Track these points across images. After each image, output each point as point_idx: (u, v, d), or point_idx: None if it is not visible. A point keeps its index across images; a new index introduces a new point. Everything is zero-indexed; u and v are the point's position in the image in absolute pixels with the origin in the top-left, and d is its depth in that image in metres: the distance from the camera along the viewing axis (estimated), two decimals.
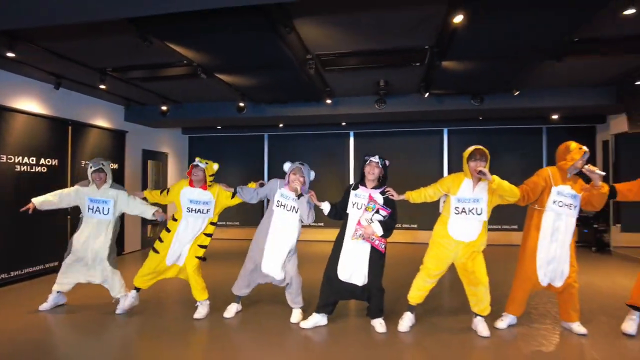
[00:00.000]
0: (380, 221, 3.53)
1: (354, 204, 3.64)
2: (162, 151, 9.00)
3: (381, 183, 3.71)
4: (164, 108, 7.01)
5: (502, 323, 3.70)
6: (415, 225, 8.95)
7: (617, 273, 5.97)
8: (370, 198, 3.58)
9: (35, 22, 3.23)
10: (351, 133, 9.30)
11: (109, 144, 7.17)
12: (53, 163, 5.99)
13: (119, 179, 7.33)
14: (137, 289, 4.11)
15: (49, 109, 5.95)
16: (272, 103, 7.05)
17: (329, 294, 3.68)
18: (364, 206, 3.58)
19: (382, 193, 3.65)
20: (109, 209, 4.12)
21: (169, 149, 9.27)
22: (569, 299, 3.56)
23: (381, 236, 3.53)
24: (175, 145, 9.57)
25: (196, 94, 6.76)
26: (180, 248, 4.00)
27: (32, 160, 5.66)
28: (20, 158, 5.48)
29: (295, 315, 3.88)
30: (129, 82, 5.74)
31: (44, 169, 5.83)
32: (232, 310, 4.02)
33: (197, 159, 3.99)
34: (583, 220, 8.20)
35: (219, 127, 9.42)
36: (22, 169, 5.51)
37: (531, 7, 3.29)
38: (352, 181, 9.15)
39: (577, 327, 3.54)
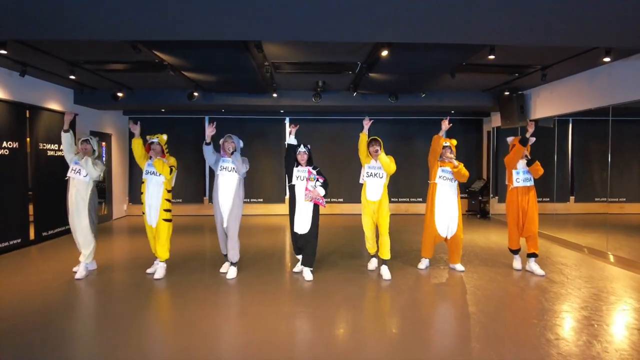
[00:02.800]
0: (322, 185, 4.88)
1: (297, 177, 4.92)
2: (106, 132, 9.39)
3: (310, 161, 5.02)
4: (119, 94, 7.55)
5: (422, 264, 5.35)
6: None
7: (492, 233, 8.04)
8: (310, 172, 4.90)
9: (50, 35, 3.89)
10: (287, 119, 10.47)
11: (61, 127, 7.52)
12: (14, 146, 6.37)
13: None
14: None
15: (8, 94, 6.28)
16: (221, 92, 7.95)
17: (295, 243, 5.05)
18: (305, 178, 4.87)
19: (314, 168, 4.99)
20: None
21: (112, 130, 9.66)
22: (455, 247, 5.23)
23: (323, 195, 4.87)
24: (118, 126, 9.95)
25: (152, 83, 7.42)
26: (150, 209, 4.91)
27: None
28: None
29: (229, 270, 4.99)
30: (96, 73, 6.30)
31: (6, 152, 6.21)
32: (226, 266, 5.14)
33: (147, 137, 4.96)
34: (471, 194, 10.40)
35: (162, 110, 9.98)
36: None
37: (432, 49, 4.77)
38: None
39: (459, 267, 5.25)
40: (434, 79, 6.55)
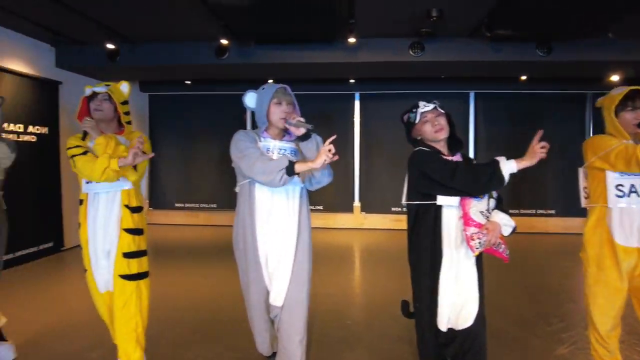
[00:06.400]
0: (499, 209, 1.96)
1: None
2: None
3: (458, 143, 2.09)
4: (110, 46, 4.93)
5: None
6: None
7: None
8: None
9: None
10: (357, 95, 7.46)
11: (33, 98, 5.06)
12: None
13: (51, 148, 5.31)
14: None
15: None
16: (263, 43, 5.07)
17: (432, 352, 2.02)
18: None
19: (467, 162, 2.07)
20: None
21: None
22: None
23: (509, 234, 1.90)
24: (131, 105, 7.40)
25: (158, 27, 4.71)
26: (98, 257, 2.17)
27: None
28: None
29: None
30: None
31: None
32: None
33: (88, 88, 2.17)
34: None
35: (188, 82, 7.33)
36: None
37: None
38: (357, 157, 7.41)
39: None
40: None
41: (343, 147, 7.36)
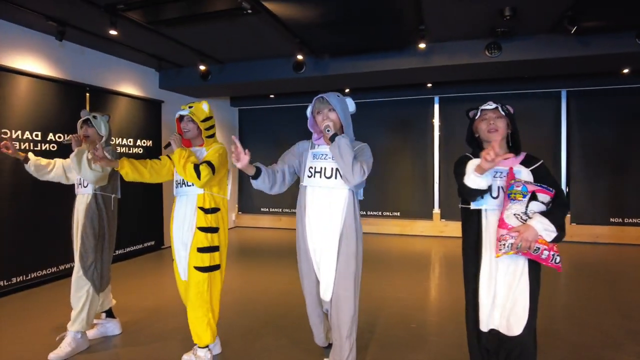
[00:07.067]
0: (543, 213, 1.80)
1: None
2: None
3: (515, 147, 2.00)
4: (202, 68, 5.53)
5: None
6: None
7: None
8: (512, 175, 1.85)
9: None
10: (436, 99, 7.34)
11: (141, 116, 5.88)
12: (65, 139, 4.74)
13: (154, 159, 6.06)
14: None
15: (58, 70, 4.68)
16: (337, 55, 5.31)
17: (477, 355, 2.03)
18: (500, 190, 1.91)
19: (527, 163, 1.93)
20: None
21: (217, 123, 7.89)
22: None
23: (553, 240, 1.77)
24: (223, 119, 8.17)
25: (241, 48, 5.19)
26: (179, 248, 2.59)
27: (37, 136, 4.44)
28: (20, 133, 4.26)
29: None
30: (150, 27, 4.26)
31: (53, 147, 4.60)
32: None
33: (182, 108, 2.65)
34: None
35: (272, 96, 7.87)
36: (25, 146, 4.30)
37: None
38: (437, 161, 7.26)
39: None
40: None
41: (422, 152, 7.29)
